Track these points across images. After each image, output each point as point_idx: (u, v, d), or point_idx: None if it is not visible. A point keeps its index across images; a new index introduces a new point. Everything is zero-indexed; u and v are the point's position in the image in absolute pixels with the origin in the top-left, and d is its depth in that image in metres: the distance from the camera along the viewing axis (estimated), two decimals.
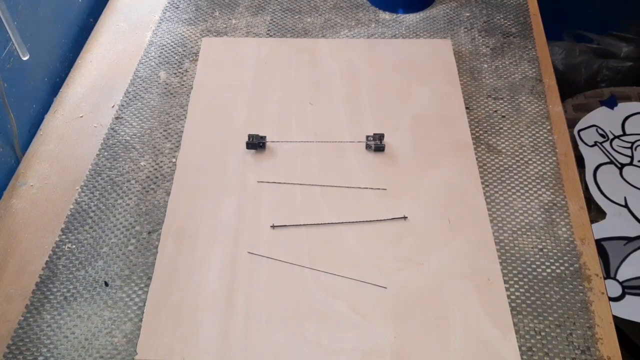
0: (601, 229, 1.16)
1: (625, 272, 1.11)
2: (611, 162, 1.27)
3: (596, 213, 1.19)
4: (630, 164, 1.27)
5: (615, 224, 1.17)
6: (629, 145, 1.30)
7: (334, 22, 1.01)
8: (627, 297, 1.08)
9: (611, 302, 1.06)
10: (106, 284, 0.68)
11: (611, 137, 1.31)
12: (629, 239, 1.14)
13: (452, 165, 0.78)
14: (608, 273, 1.11)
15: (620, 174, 1.25)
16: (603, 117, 1.36)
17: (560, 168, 0.78)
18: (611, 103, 1.38)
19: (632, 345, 1.04)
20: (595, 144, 1.30)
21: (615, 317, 1.01)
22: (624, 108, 1.38)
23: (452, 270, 0.67)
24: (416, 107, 0.85)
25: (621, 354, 0.61)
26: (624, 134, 1.32)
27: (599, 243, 1.13)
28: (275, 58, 0.94)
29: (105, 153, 0.82)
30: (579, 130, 1.33)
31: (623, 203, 1.20)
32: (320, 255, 0.69)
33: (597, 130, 1.33)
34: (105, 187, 0.78)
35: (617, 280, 1.10)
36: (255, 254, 0.69)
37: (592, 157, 1.28)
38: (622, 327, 1.04)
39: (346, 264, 0.68)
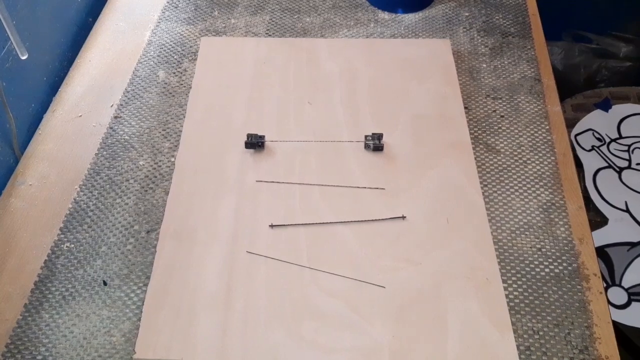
0: (604, 235, 1.15)
1: (630, 278, 1.09)
2: (610, 167, 1.26)
3: (598, 219, 1.18)
4: (629, 167, 1.26)
5: (617, 230, 1.16)
6: (626, 148, 1.29)
7: (333, 22, 1.01)
8: (634, 304, 1.06)
9: (617, 310, 1.06)
10: (105, 283, 0.68)
11: (608, 140, 1.31)
12: (632, 244, 1.13)
13: (451, 165, 0.78)
14: (613, 280, 1.09)
15: (620, 177, 1.24)
16: (598, 121, 1.35)
17: (559, 168, 0.78)
18: (605, 106, 1.38)
19: None
20: (593, 148, 1.29)
21: (622, 325, 1.00)
22: (618, 110, 1.37)
23: (451, 270, 0.67)
24: (415, 107, 0.85)
25: None
26: (620, 136, 1.31)
27: (602, 250, 1.12)
28: (274, 58, 0.94)
29: (104, 152, 0.82)
30: (576, 135, 1.32)
31: (624, 208, 1.19)
32: (318, 254, 0.69)
33: (593, 134, 1.32)
34: (104, 186, 0.78)
35: (623, 287, 1.08)
36: (254, 254, 0.69)
37: (590, 161, 1.27)
38: (629, 335, 1.02)
39: (344, 263, 0.68)
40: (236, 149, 0.80)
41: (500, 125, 0.84)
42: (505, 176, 0.77)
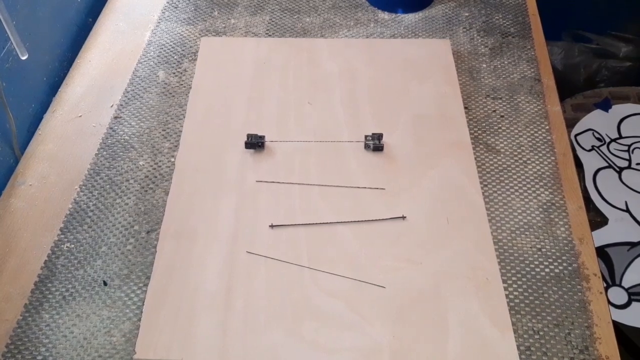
0: (604, 235, 1.15)
1: (631, 278, 1.09)
2: (610, 167, 1.26)
3: (598, 219, 1.17)
4: (629, 167, 1.26)
5: (617, 230, 1.16)
6: (626, 148, 1.29)
7: (333, 22, 1.01)
8: (634, 304, 1.06)
9: (617, 310, 1.06)
10: (105, 284, 0.68)
11: (608, 140, 1.31)
12: (632, 244, 1.13)
13: (451, 165, 0.78)
14: (613, 280, 1.09)
15: (620, 177, 1.24)
16: (598, 120, 1.35)
17: (559, 168, 0.78)
18: (605, 105, 1.37)
19: None
20: (593, 148, 1.29)
21: (622, 325, 1.00)
22: (618, 110, 1.37)
23: (451, 270, 0.67)
24: (415, 107, 0.85)
25: None
26: (620, 136, 1.31)
27: (602, 249, 1.12)
28: (274, 58, 0.94)
29: (104, 152, 0.82)
30: (576, 135, 1.32)
31: (624, 208, 1.19)
32: (318, 254, 0.69)
33: (593, 134, 1.32)
34: (104, 186, 0.78)
35: (623, 287, 1.08)
36: (254, 254, 0.69)
37: (590, 161, 1.27)
38: (630, 335, 1.02)
39: (345, 263, 0.68)
40: (236, 149, 0.80)
41: (500, 125, 0.84)
42: (505, 176, 0.77)
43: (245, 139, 0.80)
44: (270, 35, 0.99)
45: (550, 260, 0.69)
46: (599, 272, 0.68)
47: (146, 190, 0.77)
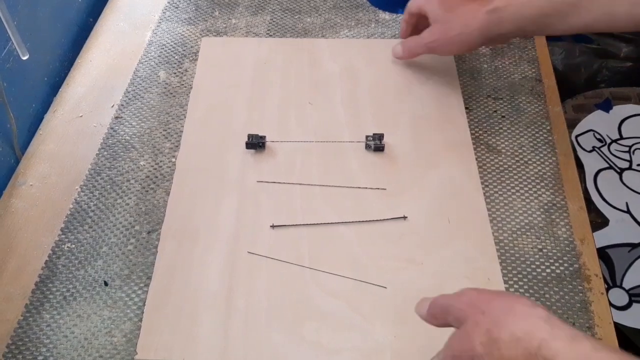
0: (605, 236, 1.14)
1: (631, 279, 1.09)
2: (610, 167, 1.26)
3: (599, 220, 1.17)
4: (630, 168, 1.26)
5: (618, 231, 1.15)
6: (627, 149, 1.29)
7: (334, 22, 1.01)
8: (635, 305, 1.06)
9: (618, 311, 1.05)
10: (106, 284, 0.68)
11: (608, 141, 1.30)
12: (633, 246, 1.13)
13: (452, 165, 0.78)
14: (614, 281, 1.09)
15: (620, 178, 1.24)
16: (599, 121, 1.34)
17: (560, 168, 0.78)
18: (606, 106, 1.37)
19: None
20: (594, 149, 1.29)
21: (623, 326, 1.00)
22: (619, 111, 1.37)
23: (452, 270, 0.67)
24: (416, 107, 0.85)
25: None
26: (621, 137, 1.31)
27: (603, 251, 1.12)
28: (275, 58, 0.94)
29: (105, 152, 0.81)
30: (577, 136, 1.32)
31: (625, 209, 1.19)
32: (320, 255, 0.69)
33: (594, 135, 1.32)
34: (105, 186, 0.78)
35: (623, 289, 1.08)
36: (255, 254, 0.69)
37: (591, 162, 1.26)
38: (630, 336, 1.02)
39: (346, 263, 0.68)
40: (237, 149, 0.80)
41: (501, 126, 0.84)
42: (507, 176, 0.77)
43: (246, 139, 0.80)
44: (271, 36, 0.98)
45: (552, 260, 0.69)
46: (600, 272, 0.68)
47: (147, 191, 0.77)
